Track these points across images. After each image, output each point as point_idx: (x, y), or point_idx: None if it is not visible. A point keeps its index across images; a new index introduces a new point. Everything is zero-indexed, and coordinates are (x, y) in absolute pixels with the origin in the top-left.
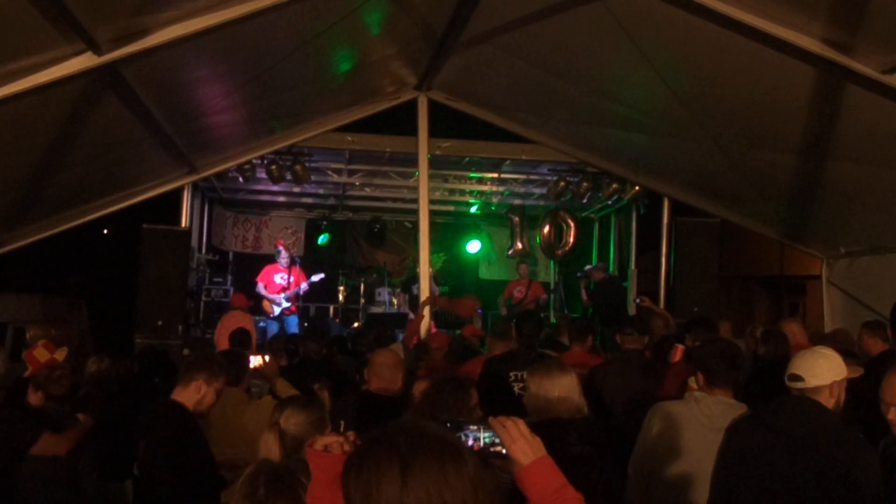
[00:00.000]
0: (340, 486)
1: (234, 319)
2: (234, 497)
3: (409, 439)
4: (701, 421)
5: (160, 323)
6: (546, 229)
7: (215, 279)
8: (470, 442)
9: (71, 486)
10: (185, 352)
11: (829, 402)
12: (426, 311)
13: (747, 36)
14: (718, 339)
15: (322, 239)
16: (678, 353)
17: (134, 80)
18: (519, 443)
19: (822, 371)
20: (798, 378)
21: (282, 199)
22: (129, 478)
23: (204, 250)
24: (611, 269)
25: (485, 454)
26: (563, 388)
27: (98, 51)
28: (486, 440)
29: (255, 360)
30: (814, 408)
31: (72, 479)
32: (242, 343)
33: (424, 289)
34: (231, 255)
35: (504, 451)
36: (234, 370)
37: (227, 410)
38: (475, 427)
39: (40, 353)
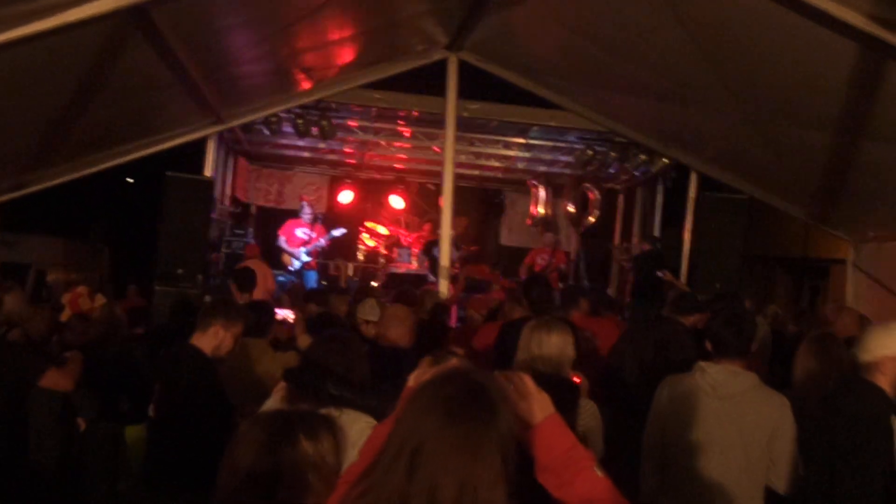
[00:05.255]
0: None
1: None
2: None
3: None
4: (705, 390)
5: (180, 271)
6: (570, 198)
7: (236, 231)
8: None
9: (72, 421)
10: (207, 298)
11: (881, 380)
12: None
13: (788, 6)
14: (728, 308)
15: (344, 197)
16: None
17: (164, 23)
18: (527, 400)
19: (870, 345)
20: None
21: (306, 154)
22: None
23: (227, 202)
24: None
25: None
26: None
27: None
28: None
29: (283, 314)
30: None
31: (73, 415)
32: (247, 282)
33: (445, 252)
34: (253, 208)
35: None
36: (259, 320)
37: (250, 360)
38: None
39: (84, 302)
